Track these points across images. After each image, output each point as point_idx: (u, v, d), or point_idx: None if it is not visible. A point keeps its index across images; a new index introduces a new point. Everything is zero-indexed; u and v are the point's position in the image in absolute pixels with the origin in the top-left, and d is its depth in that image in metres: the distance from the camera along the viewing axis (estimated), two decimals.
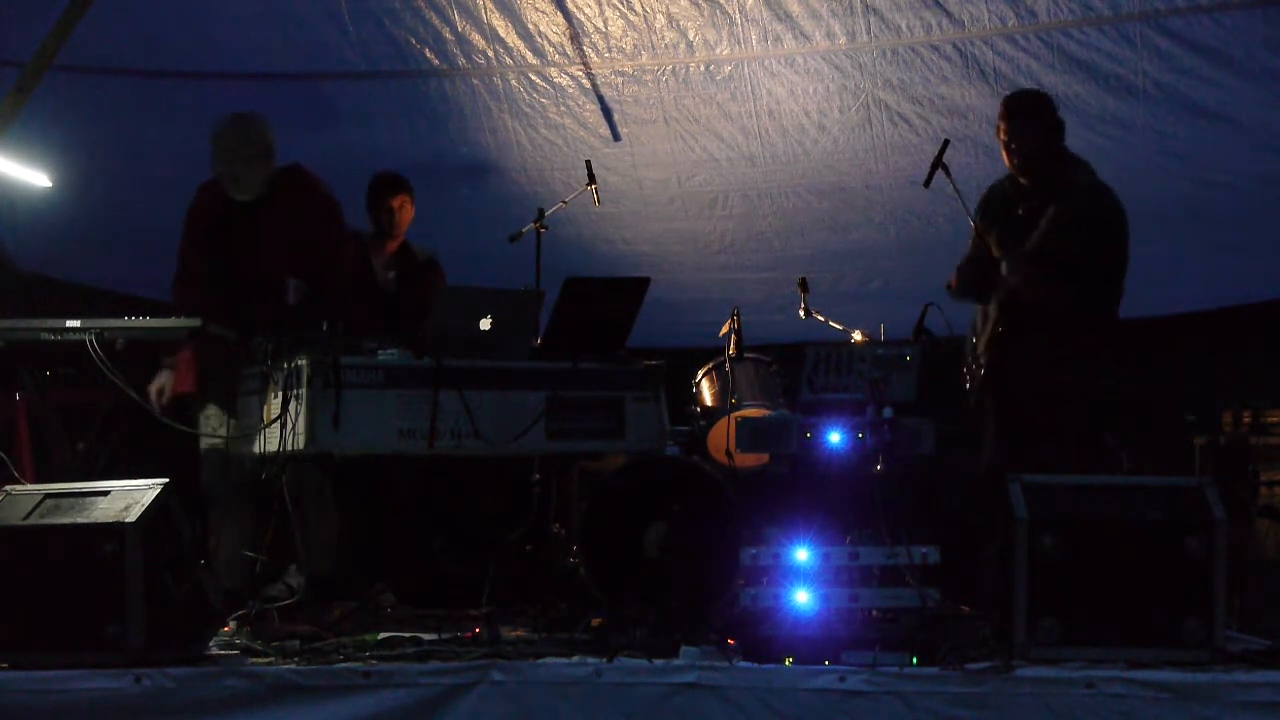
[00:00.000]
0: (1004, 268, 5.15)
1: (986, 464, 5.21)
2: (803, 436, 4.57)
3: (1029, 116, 5.15)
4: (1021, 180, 5.20)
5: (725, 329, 6.31)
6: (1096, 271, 5.09)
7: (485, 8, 7.04)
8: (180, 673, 4.09)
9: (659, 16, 6.98)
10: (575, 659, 4.20)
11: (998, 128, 5.22)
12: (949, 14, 6.72)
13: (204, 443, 5.20)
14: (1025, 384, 5.10)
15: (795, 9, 6.82)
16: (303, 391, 4.70)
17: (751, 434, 4.96)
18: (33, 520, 4.20)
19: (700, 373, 6.48)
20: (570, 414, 5.06)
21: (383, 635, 4.61)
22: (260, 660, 4.28)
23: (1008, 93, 5.56)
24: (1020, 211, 5.19)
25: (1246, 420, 6.56)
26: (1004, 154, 5.21)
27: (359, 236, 6.25)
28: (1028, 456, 4.82)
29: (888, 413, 4.49)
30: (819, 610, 4.21)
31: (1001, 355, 5.20)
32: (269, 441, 4.80)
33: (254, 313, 5.13)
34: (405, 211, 6.27)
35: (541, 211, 6.60)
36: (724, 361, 6.24)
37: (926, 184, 5.70)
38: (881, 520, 4.39)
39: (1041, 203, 5.06)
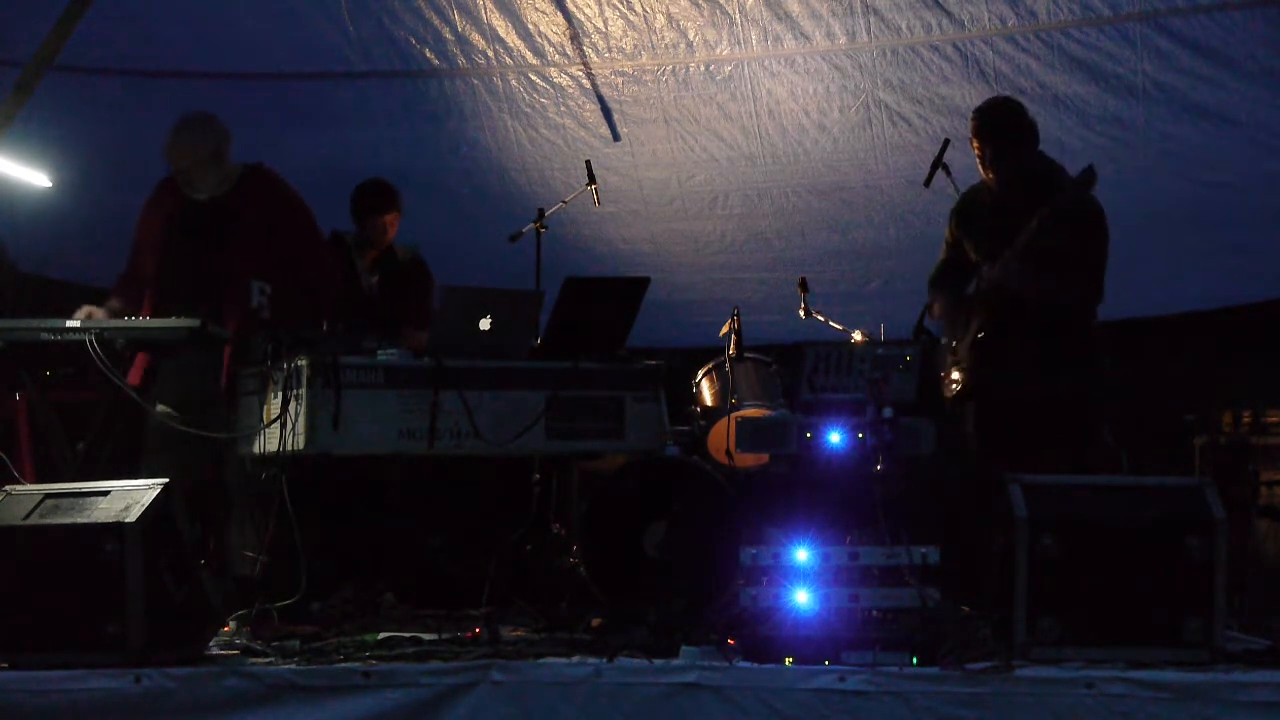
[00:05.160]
0: (994, 271, 5.13)
1: (978, 466, 5.20)
2: (803, 436, 4.56)
3: (1003, 134, 5.16)
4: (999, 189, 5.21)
5: (725, 329, 6.30)
6: (1087, 269, 5.09)
7: (485, 8, 7.03)
8: (180, 673, 4.09)
9: (659, 16, 6.97)
10: (575, 659, 4.20)
11: (970, 140, 5.20)
12: (949, 14, 6.71)
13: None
14: (1015, 385, 5.09)
15: (795, 9, 6.82)
16: (302, 391, 4.70)
17: (751, 434, 4.96)
18: (33, 520, 4.20)
19: (700, 373, 6.48)
20: (570, 414, 5.06)
21: (383, 635, 4.59)
22: (260, 660, 4.27)
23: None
24: (1000, 216, 5.18)
25: (1246, 420, 6.55)
26: (980, 166, 5.21)
27: (340, 239, 6.22)
28: (1021, 457, 4.81)
29: (888, 413, 4.49)
30: (819, 610, 4.21)
31: (986, 358, 5.19)
32: (269, 441, 4.80)
33: (216, 313, 5.11)
34: (395, 227, 6.28)
35: (541, 211, 6.60)
36: (724, 361, 6.24)
37: (927, 184, 5.72)
38: (881, 520, 4.38)
39: (1023, 205, 5.06)
